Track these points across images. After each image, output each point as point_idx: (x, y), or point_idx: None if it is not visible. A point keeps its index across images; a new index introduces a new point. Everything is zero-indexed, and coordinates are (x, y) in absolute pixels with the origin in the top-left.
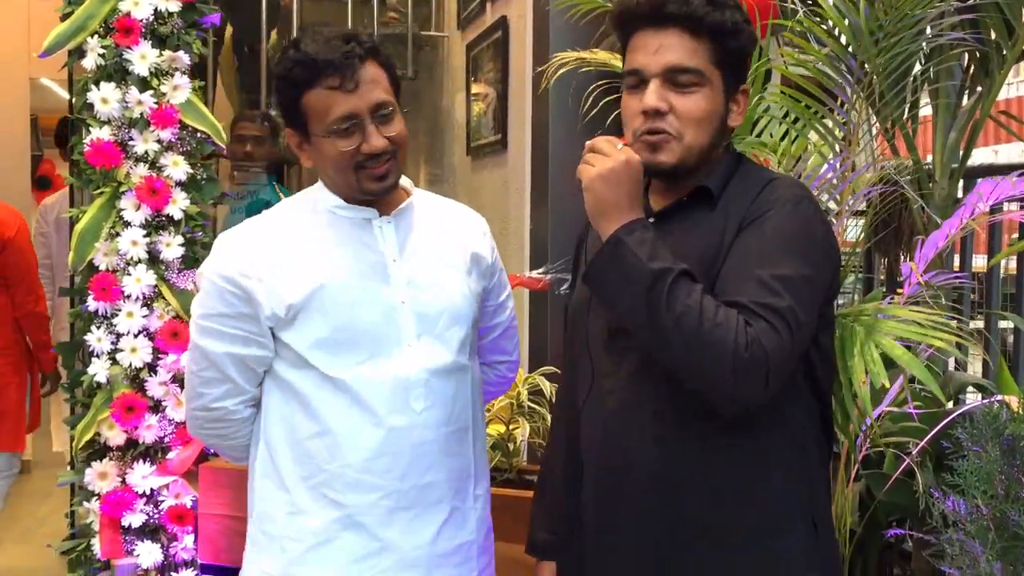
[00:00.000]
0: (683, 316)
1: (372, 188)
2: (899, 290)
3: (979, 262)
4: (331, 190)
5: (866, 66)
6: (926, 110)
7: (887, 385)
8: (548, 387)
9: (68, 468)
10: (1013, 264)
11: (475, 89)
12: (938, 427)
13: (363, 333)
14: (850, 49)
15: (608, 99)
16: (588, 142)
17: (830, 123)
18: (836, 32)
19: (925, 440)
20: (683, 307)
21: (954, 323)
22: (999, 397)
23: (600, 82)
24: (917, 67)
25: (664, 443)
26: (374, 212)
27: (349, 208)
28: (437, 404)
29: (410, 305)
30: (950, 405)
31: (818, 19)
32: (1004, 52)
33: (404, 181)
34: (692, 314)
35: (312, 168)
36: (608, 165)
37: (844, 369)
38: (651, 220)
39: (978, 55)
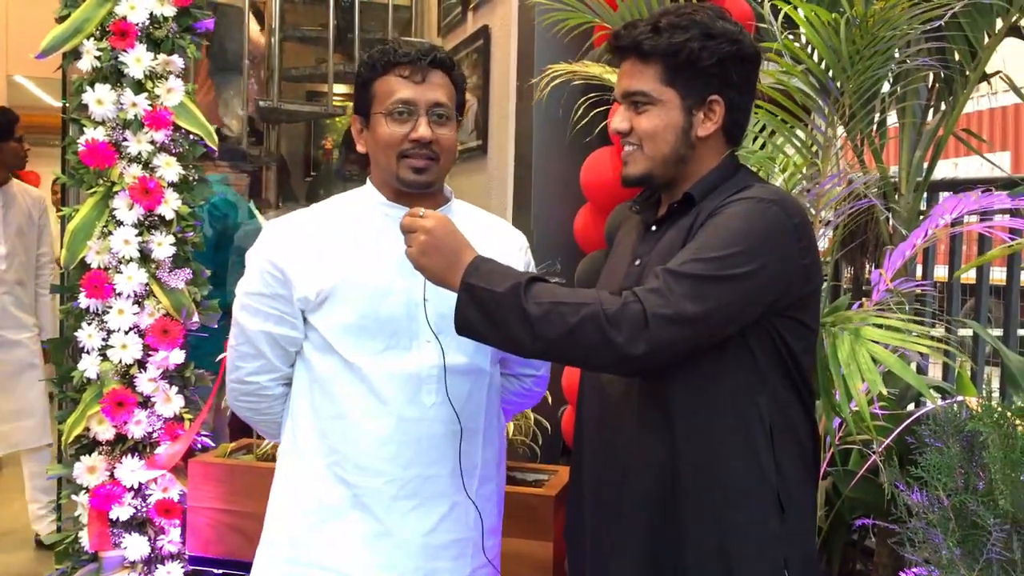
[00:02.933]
0: (548, 312)
1: (408, 178)
2: (864, 298)
3: (939, 272)
4: (377, 185)
5: (839, 84)
6: (891, 121)
7: (884, 392)
8: None
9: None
10: (972, 274)
11: None
12: (903, 425)
13: (384, 324)
14: (823, 66)
15: (596, 111)
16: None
17: (803, 135)
18: (811, 52)
19: (891, 437)
20: (545, 304)
21: (935, 331)
22: (960, 398)
23: (590, 95)
24: (886, 86)
25: (643, 422)
26: None
27: (389, 205)
28: (448, 401)
29: (433, 304)
30: (912, 407)
31: (792, 38)
32: (967, 73)
33: (446, 190)
34: (552, 302)
35: (365, 153)
36: (420, 240)
37: (837, 374)
38: (653, 228)
39: (943, 76)
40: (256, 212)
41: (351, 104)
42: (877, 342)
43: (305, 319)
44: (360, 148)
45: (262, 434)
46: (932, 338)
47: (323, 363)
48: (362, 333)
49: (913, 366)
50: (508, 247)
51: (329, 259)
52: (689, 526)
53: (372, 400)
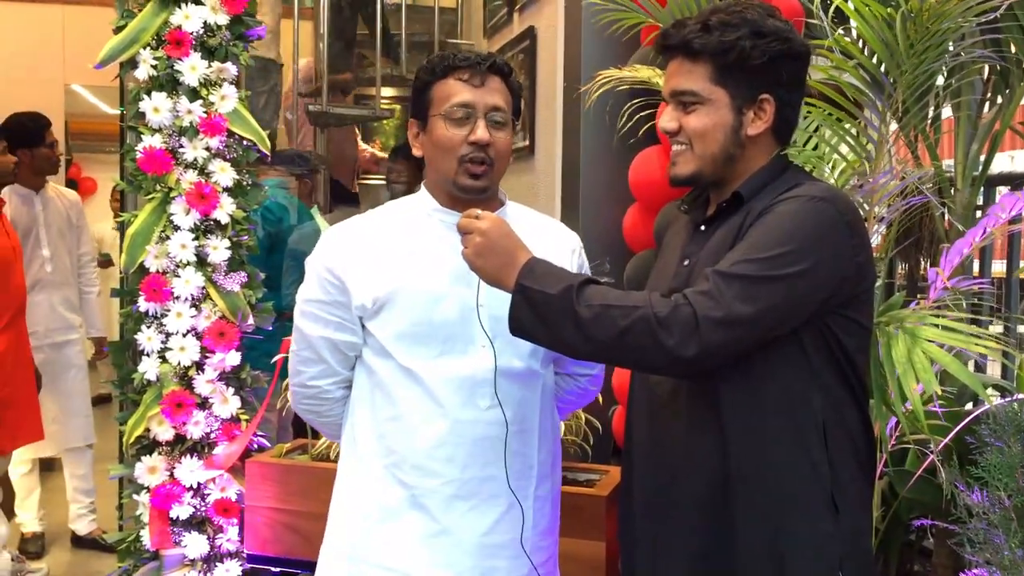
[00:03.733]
0: (600, 314)
1: (465, 183)
2: (921, 295)
3: (996, 267)
4: (431, 190)
5: (892, 79)
6: (946, 115)
7: (939, 391)
8: None
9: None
10: None
11: None
12: (961, 424)
13: (439, 330)
14: (875, 61)
15: (642, 114)
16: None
17: (854, 132)
18: (863, 47)
19: (949, 436)
20: (597, 306)
21: (993, 331)
22: (1020, 396)
23: (637, 99)
24: (940, 80)
25: (692, 422)
26: None
27: (443, 211)
28: (503, 404)
29: (487, 309)
30: (970, 405)
31: (843, 32)
32: None
33: (500, 192)
34: (604, 305)
35: (421, 157)
36: (476, 241)
37: (891, 373)
38: (702, 228)
39: (999, 68)
40: (318, 216)
41: (398, 107)
42: (933, 341)
43: (363, 325)
44: (416, 152)
45: (324, 435)
46: (991, 337)
47: (381, 367)
48: (417, 339)
49: (971, 364)
50: (561, 248)
51: (385, 267)
52: (740, 527)
53: (428, 403)
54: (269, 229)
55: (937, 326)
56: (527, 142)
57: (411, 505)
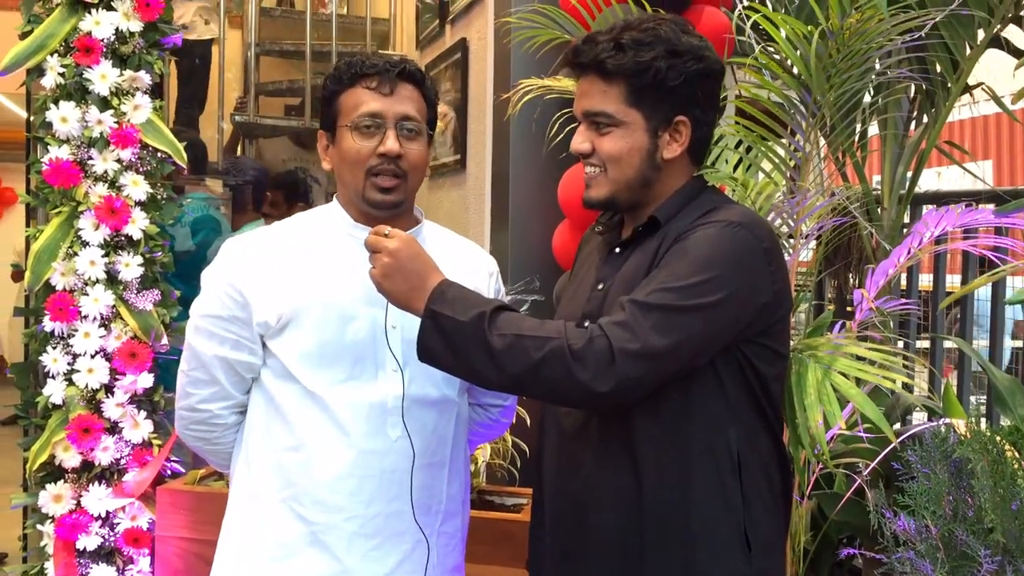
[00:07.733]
0: (512, 345)
1: (375, 198)
2: (850, 310)
3: (923, 281)
4: (343, 204)
5: (818, 98)
6: (873, 133)
7: (843, 425)
8: None
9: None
10: (956, 281)
11: None
12: (887, 449)
13: (347, 351)
14: (802, 80)
15: (572, 127)
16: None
17: (782, 152)
18: (790, 65)
19: (876, 461)
20: (509, 336)
21: (909, 360)
22: (946, 420)
23: (565, 110)
24: (867, 98)
25: (603, 456)
26: None
27: (355, 227)
28: (414, 434)
29: (400, 331)
30: (898, 426)
31: (771, 51)
32: (949, 85)
33: (416, 210)
34: (517, 335)
35: (330, 172)
36: (384, 261)
37: (800, 403)
38: (616, 250)
39: (924, 87)
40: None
41: None
42: (844, 373)
43: (264, 344)
44: (326, 166)
45: (212, 465)
46: (912, 356)
47: (282, 391)
48: (324, 361)
49: (899, 383)
50: (478, 271)
51: (291, 282)
52: (651, 563)
53: (333, 431)
54: (202, 245)
55: (853, 356)
56: (458, 156)
57: (310, 543)
